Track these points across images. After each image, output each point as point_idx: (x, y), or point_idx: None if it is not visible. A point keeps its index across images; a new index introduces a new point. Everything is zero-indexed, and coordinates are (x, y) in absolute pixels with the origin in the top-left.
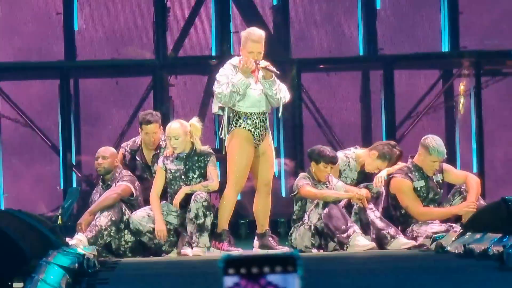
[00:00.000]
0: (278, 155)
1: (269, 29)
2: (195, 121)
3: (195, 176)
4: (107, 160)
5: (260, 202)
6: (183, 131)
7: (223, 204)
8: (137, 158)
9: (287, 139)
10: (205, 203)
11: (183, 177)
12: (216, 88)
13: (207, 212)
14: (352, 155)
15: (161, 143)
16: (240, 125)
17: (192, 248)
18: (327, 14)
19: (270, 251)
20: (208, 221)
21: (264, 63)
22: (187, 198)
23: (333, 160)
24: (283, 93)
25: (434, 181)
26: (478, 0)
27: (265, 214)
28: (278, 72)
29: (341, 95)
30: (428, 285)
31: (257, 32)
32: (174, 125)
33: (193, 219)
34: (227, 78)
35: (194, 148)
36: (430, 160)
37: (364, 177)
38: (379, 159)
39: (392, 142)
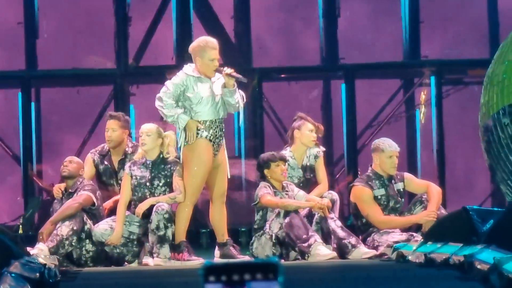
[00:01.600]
0: (239, 164)
1: (230, 38)
2: (171, 133)
3: (160, 184)
4: (73, 165)
5: (217, 212)
6: (157, 132)
7: (179, 215)
8: (106, 163)
9: (248, 148)
10: (166, 215)
11: (148, 184)
12: (161, 104)
13: (168, 224)
14: (289, 153)
15: (127, 149)
16: (201, 135)
17: (153, 258)
18: (288, 23)
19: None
20: (169, 233)
21: (229, 70)
22: (150, 207)
23: (281, 157)
24: (241, 103)
25: (395, 189)
26: (439, 9)
27: (223, 223)
28: (245, 80)
29: (302, 105)
30: None
31: (213, 39)
32: (150, 124)
33: (154, 230)
34: (175, 101)
35: (162, 156)
36: (386, 157)
37: (311, 171)
38: (304, 126)
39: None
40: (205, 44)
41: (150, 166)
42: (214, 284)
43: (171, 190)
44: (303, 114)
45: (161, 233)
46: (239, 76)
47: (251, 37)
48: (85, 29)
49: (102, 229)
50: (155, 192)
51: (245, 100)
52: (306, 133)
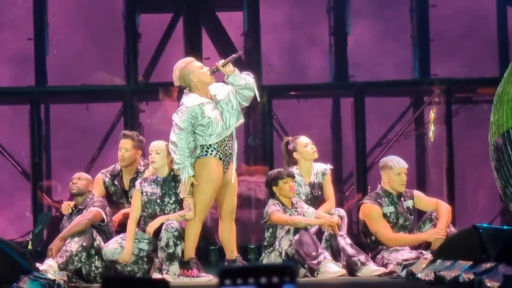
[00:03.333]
0: (248, 181)
1: (240, 55)
2: None
3: (171, 201)
4: (82, 181)
5: (226, 230)
6: (167, 150)
7: (188, 232)
8: (116, 183)
9: (257, 165)
10: (176, 233)
11: (158, 201)
12: (174, 149)
13: (178, 241)
14: (295, 171)
15: (139, 167)
16: (211, 153)
17: (162, 274)
18: (297, 40)
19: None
20: (179, 250)
21: (220, 61)
22: (160, 225)
23: (289, 174)
24: (249, 78)
25: (404, 207)
26: (449, 28)
27: (232, 240)
28: (238, 54)
29: (311, 122)
30: None
31: (191, 57)
32: (160, 141)
33: (164, 248)
34: (187, 143)
35: (173, 173)
36: (394, 174)
37: (318, 188)
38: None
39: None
40: (186, 62)
41: (161, 183)
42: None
43: (181, 208)
44: (288, 137)
45: (171, 250)
46: (232, 57)
47: (260, 54)
48: (94, 46)
49: (112, 248)
50: (166, 209)
51: (252, 75)
52: (303, 150)
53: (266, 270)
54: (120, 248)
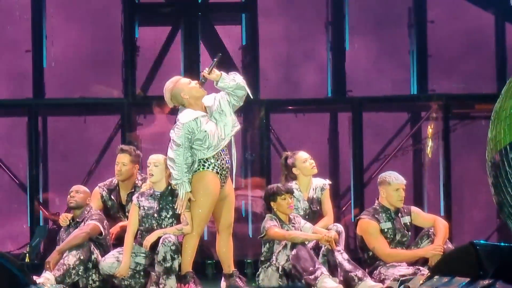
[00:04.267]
0: (245, 195)
1: (238, 69)
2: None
3: (168, 216)
4: (80, 195)
5: (223, 244)
6: (165, 163)
7: (186, 246)
8: (113, 198)
9: (254, 179)
10: (173, 247)
11: (155, 215)
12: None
13: (175, 256)
14: (295, 185)
15: (137, 182)
16: (207, 167)
17: None
18: (295, 55)
19: None
20: (176, 264)
21: (205, 71)
22: (157, 238)
23: (288, 190)
24: (238, 77)
25: (402, 223)
26: (447, 44)
27: (229, 255)
28: (220, 54)
29: (309, 137)
30: None
31: (177, 76)
32: (158, 155)
33: (161, 262)
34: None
35: (170, 187)
36: (392, 190)
37: (317, 203)
38: (298, 160)
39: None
40: (174, 82)
41: (158, 197)
42: None
43: (179, 222)
44: (288, 152)
45: (168, 264)
46: (214, 62)
47: (259, 68)
48: (93, 58)
49: (109, 262)
50: (163, 223)
51: (238, 74)
52: (302, 165)
53: None
54: (117, 263)
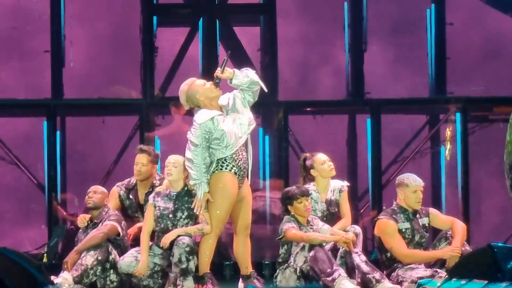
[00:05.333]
0: (263, 197)
1: (256, 71)
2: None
3: (183, 216)
4: (98, 195)
5: (241, 245)
6: (183, 164)
7: (203, 247)
8: (131, 197)
9: (273, 181)
10: (187, 248)
11: (171, 215)
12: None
13: (190, 257)
14: (312, 187)
15: (155, 182)
16: (226, 168)
17: None
18: (314, 56)
19: None
20: (192, 265)
21: (217, 71)
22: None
23: (303, 193)
24: (250, 72)
25: (420, 224)
26: (465, 46)
27: (247, 256)
28: (228, 54)
29: (327, 138)
30: None
31: (192, 78)
32: (177, 155)
33: (177, 263)
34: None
35: (186, 188)
36: (410, 191)
37: (336, 205)
38: (316, 162)
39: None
40: (188, 85)
41: (174, 197)
42: None
43: (194, 223)
44: (306, 153)
45: (184, 266)
46: (225, 60)
47: (277, 69)
48: (111, 58)
49: (128, 261)
50: (178, 224)
51: (250, 70)
52: (321, 167)
53: None
54: (135, 261)
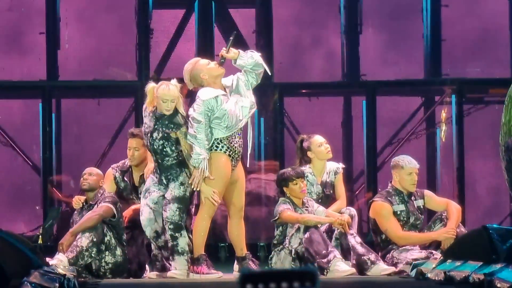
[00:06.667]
0: (258, 179)
1: (236, 34)
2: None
3: (159, 137)
4: (93, 177)
5: (235, 227)
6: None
7: (197, 229)
8: (126, 179)
9: (268, 163)
10: (171, 226)
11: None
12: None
13: (176, 234)
14: (308, 169)
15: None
16: (221, 149)
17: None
18: (309, 39)
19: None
20: (181, 242)
21: (222, 51)
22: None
23: (298, 174)
24: (255, 54)
25: (415, 206)
26: (461, 28)
27: (241, 238)
28: (235, 32)
29: (323, 120)
30: None
31: (196, 57)
32: (172, 87)
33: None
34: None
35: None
36: (405, 173)
37: (330, 187)
38: (314, 144)
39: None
40: (192, 64)
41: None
42: None
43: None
44: (303, 135)
45: (171, 244)
46: (230, 40)
47: (273, 51)
48: (107, 41)
49: (146, 216)
50: (154, 144)
51: (255, 52)
52: (317, 149)
53: (287, 275)
54: (150, 210)
